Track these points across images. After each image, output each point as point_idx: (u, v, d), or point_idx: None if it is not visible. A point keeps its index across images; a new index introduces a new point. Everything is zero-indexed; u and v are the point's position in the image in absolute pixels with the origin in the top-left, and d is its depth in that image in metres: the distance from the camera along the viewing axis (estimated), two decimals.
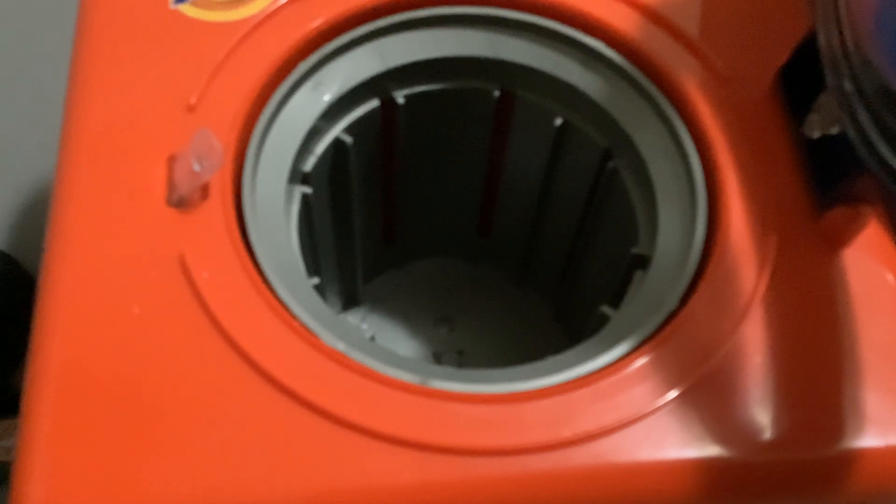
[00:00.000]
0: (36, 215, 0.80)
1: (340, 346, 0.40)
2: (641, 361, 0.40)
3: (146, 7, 0.47)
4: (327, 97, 0.48)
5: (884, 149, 0.33)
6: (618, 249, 0.49)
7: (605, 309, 0.45)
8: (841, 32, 0.35)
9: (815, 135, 0.43)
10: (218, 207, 0.42)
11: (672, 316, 0.41)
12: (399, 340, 0.65)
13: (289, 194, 0.46)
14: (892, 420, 0.39)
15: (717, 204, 0.44)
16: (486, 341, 0.65)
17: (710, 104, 0.46)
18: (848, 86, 0.34)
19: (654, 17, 0.48)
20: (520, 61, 0.50)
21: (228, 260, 0.41)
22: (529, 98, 0.51)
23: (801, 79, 0.44)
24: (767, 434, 0.39)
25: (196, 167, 0.41)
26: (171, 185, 0.42)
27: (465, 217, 0.63)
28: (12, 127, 0.79)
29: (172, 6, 0.47)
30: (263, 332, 0.39)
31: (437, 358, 0.64)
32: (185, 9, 0.47)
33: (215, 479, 0.36)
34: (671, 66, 0.47)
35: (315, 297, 0.43)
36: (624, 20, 0.48)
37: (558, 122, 0.51)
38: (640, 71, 0.48)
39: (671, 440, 0.38)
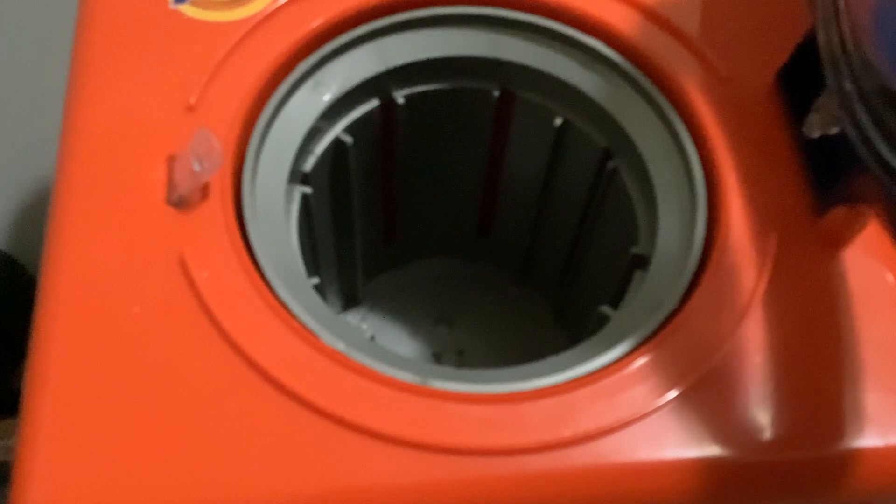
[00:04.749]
0: (36, 215, 0.80)
1: (340, 346, 0.40)
2: (641, 361, 0.40)
3: (146, 7, 0.47)
4: (327, 97, 0.48)
5: (884, 149, 0.33)
6: (618, 249, 0.49)
7: (605, 309, 0.45)
8: (841, 32, 0.35)
9: (815, 135, 0.43)
10: (218, 207, 0.42)
11: (672, 316, 0.41)
12: (399, 340, 0.65)
13: (289, 194, 0.46)
14: (892, 420, 0.39)
15: (717, 204, 0.44)
16: (486, 341, 0.65)
17: (710, 104, 0.46)
18: (848, 86, 0.34)
19: (654, 17, 0.48)
20: (520, 61, 0.50)
21: (228, 260, 0.41)
22: (529, 98, 0.51)
23: (801, 79, 0.44)
24: (767, 434, 0.39)
25: (196, 167, 0.41)
26: (171, 185, 0.42)
27: (465, 217, 0.63)
28: (12, 127, 0.79)
29: (172, 6, 0.47)
30: (263, 332, 0.39)
31: (437, 358, 0.64)
32: (185, 9, 0.47)
33: (215, 479, 0.36)
34: (671, 66, 0.47)
35: (315, 297, 0.43)
36: (624, 20, 0.48)
37: (558, 122, 0.51)
38: (640, 71, 0.48)
39: (671, 440, 0.38)
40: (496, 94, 0.51)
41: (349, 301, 0.64)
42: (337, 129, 0.50)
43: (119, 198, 0.42)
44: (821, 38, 0.36)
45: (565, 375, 0.40)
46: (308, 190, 0.48)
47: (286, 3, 0.47)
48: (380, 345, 0.45)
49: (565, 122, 0.51)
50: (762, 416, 0.39)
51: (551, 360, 0.42)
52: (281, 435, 0.37)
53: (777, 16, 0.48)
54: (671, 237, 0.45)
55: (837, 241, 0.43)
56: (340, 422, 0.37)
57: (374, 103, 0.50)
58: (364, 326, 0.65)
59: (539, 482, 0.38)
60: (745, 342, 0.40)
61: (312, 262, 0.52)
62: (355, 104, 0.50)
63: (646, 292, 0.44)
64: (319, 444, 0.37)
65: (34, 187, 0.80)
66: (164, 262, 0.40)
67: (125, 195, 0.42)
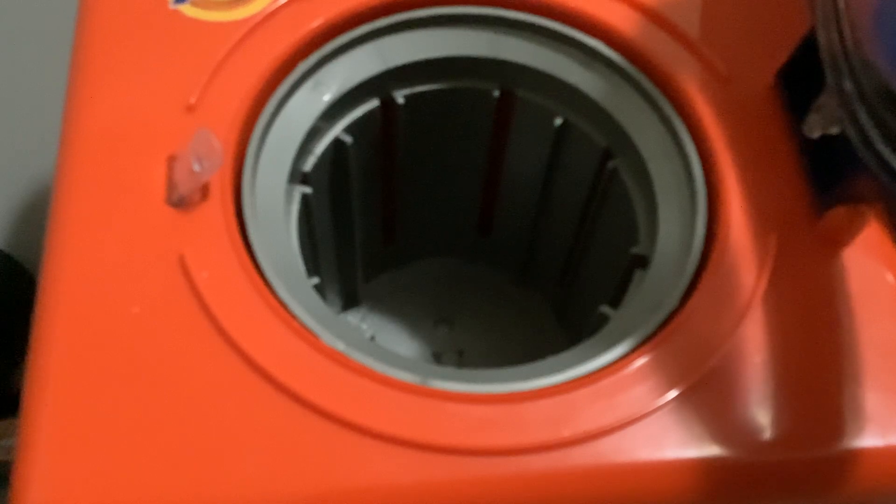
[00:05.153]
0: (36, 215, 0.80)
1: (340, 346, 0.40)
2: (641, 361, 0.40)
3: (146, 7, 0.47)
4: (327, 97, 0.48)
5: (884, 149, 0.33)
6: (618, 249, 0.49)
7: (605, 309, 0.45)
8: (841, 32, 0.35)
9: (815, 135, 0.43)
10: (218, 207, 0.42)
11: (672, 316, 0.41)
12: (399, 340, 0.65)
13: (289, 194, 0.46)
14: (892, 420, 0.39)
15: (717, 204, 0.44)
16: (486, 341, 0.65)
17: (710, 104, 0.46)
18: (848, 86, 0.34)
19: (654, 17, 0.48)
20: (520, 61, 0.50)
21: (228, 260, 0.41)
22: (529, 98, 0.51)
23: (801, 79, 0.44)
24: (767, 434, 0.39)
25: (196, 167, 0.41)
26: (171, 185, 0.42)
27: (465, 217, 0.63)
28: (12, 127, 0.79)
29: (172, 6, 0.47)
30: (263, 332, 0.39)
31: (437, 358, 0.64)
32: (185, 9, 0.47)
33: (215, 479, 0.36)
34: (671, 66, 0.47)
35: (315, 297, 0.43)
36: (624, 20, 0.48)
37: (558, 122, 0.51)
38: (640, 71, 0.48)
39: (671, 440, 0.38)
40: (496, 94, 0.51)
41: (349, 301, 0.64)
42: (337, 129, 0.50)
43: (119, 198, 0.42)
44: (821, 38, 0.36)
45: (565, 375, 0.40)
46: (308, 190, 0.48)
47: (286, 3, 0.47)
48: (380, 345, 0.45)
49: (565, 122, 0.51)
50: (762, 416, 0.39)
51: (551, 360, 0.42)
52: (281, 435, 0.37)
53: (777, 16, 0.48)
54: (671, 237, 0.45)
55: (837, 241, 0.43)
56: (340, 422, 0.37)
57: (374, 103, 0.50)
58: (364, 326, 0.65)
59: (539, 482, 0.38)
60: (745, 342, 0.40)
61: (312, 262, 0.52)
62: (355, 104, 0.50)
63: (646, 292, 0.44)
64: (319, 444, 0.37)
65: (34, 187, 0.80)
66: (164, 262, 0.40)
67: (125, 195, 0.42)
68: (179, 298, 0.40)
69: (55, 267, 0.40)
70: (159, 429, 0.37)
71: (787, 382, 0.40)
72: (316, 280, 0.44)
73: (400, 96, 0.50)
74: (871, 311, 0.42)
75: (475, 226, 0.64)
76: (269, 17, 0.47)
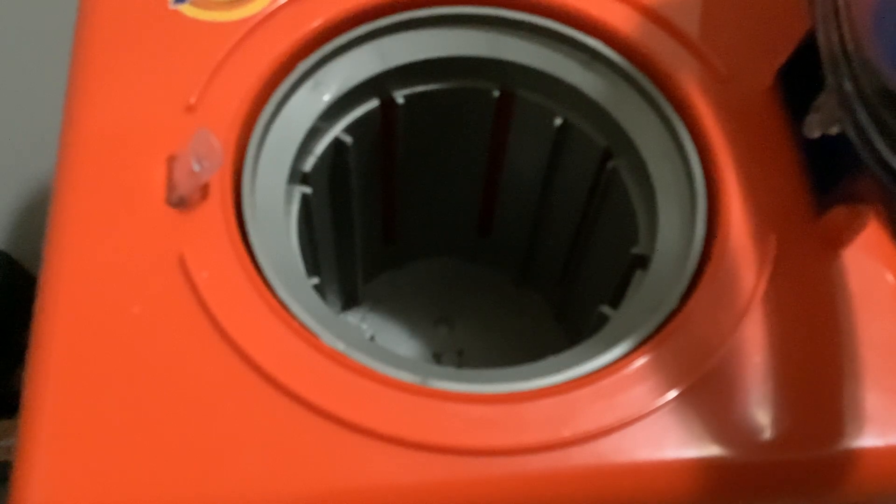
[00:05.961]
0: (36, 215, 0.79)
1: (340, 346, 0.40)
2: (641, 361, 0.40)
3: (146, 7, 0.47)
4: (327, 97, 0.48)
5: (884, 149, 0.33)
6: (618, 249, 0.49)
7: (605, 309, 0.45)
8: (841, 32, 0.35)
9: (815, 135, 0.43)
10: (218, 207, 0.42)
11: (672, 316, 0.41)
12: (399, 340, 0.65)
13: (288, 194, 0.46)
14: (892, 420, 0.39)
15: (717, 204, 0.44)
16: (486, 341, 0.65)
17: (710, 104, 0.46)
18: (848, 86, 0.34)
19: (654, 17, 0.48)
20: (520, 61, 0.50)
21: (228, 260, 0.41)
22: (529, 98, 0.51)
23: (801, 79, 0.44)
24: (767, 434, 0.39)
25: (196, 167, 0.41)
26: (170, 185, 0.42)
27: (465, 217, 0.63)
28: (12, 127, 0.79)
29: (172, 6, 0.47)
30: (263, 332, 0.39)
31: (437, 358, 0.64)
32: (185, 9, 0.47)
33: (215, 479, 0.36)
34: (671, 66, 0.47)
35: (315, 297, 0.43)
36: (624, 20, 0.48)
37: (558, 122, 0.51)
38: (640, 71, 0.48)
39: (671, 440, 0.38)
40: (496, 94, 0.51)
41: (349, 301, 0.65)
42: (337, 129, 0.50)
43: (119, 198, 0.42)
44: (821, 38, 0.36)
45: (565, 375, 0.40)
46: (308, 190, 0.48)
47: (286, 3, 0.47)
48: (380, 345, 0.45)
49: (565, 122, 0.51)
50: (762, 416, 0.39)
51: (551, 360, 0.42)
52: (281, 435, 0.37)
53: (777, 16, 0.48)
54: (671, 237, 0.45)
55: (837, 241, 0.43)
56: (340, 422, 0.37)
57: (373, 103, 0.50)
58: (364, 326, 0.65)
59: (539, 482, 0.38)
60: (745, 342, 0.40)
61: (312, 262, 0.52)
62: (355, 104, 0.50)
63: (646, 292, 0.44)
64: (319, 444, 0.37)
65: (34, 187, 0.80)
66: (164, 262, 0.40)
67: (125, 195, 0.42)
68: (179, 298, 0.40)
69: (55, 267, 0.40)
70: (159, 429, 0.37)
71: (787, 382, 0.40)
72: (316, 280, 0.44)
73: (400, 96, 0.50)
74: (871, 311, 0.42)
75: (475, 226, 0.64)
76: (269, 17, 0.47)
